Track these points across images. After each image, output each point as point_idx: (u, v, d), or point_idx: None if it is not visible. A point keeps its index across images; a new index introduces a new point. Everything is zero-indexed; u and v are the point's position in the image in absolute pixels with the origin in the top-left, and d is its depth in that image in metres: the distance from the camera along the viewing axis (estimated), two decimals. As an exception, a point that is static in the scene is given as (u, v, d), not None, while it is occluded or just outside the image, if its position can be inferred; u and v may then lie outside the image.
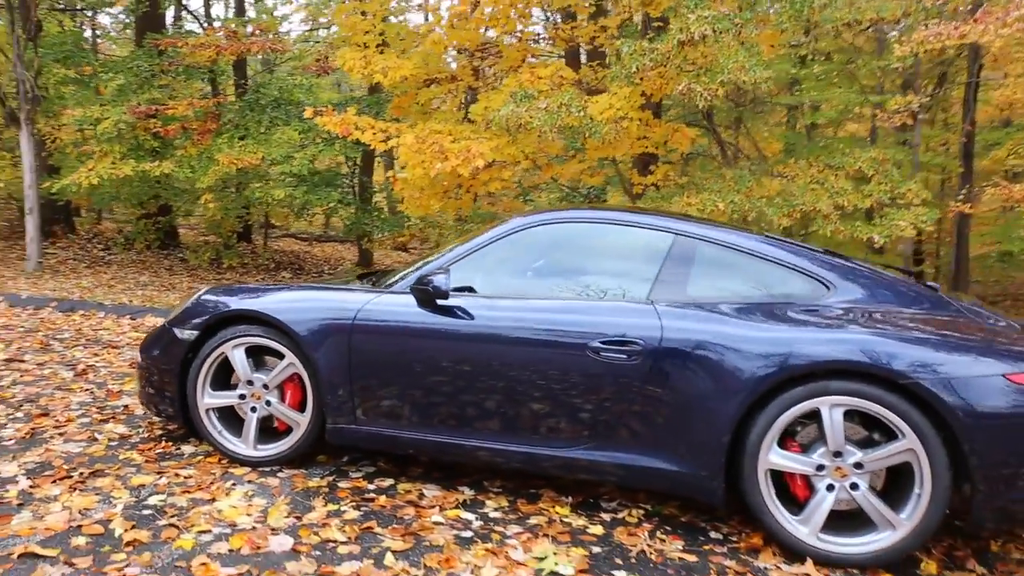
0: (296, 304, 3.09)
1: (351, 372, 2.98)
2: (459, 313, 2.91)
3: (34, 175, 9.92)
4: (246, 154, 9.83)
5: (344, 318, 3.00)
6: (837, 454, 2.51)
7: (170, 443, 3.39)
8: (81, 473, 2.95)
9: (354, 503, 2.82)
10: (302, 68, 12.05)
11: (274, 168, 9.95)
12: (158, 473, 3.01)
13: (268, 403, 3.14)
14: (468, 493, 3.00)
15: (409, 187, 8.74)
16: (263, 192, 10.06)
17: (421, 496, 2.94)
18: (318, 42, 13.55)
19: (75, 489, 2.79)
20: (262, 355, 3.20)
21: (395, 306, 2.99)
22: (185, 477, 2.97)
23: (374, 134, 8.36)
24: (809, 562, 2.49)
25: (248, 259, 12.65)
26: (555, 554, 2.45)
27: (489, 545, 2.50)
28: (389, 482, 3.07)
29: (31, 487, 2.79)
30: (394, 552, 2.41)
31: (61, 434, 3.45)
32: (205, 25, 12.77)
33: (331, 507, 2.75)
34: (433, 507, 2.82)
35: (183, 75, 11.02)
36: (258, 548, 2.38)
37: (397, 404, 2.96)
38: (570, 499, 2.98)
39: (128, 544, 2.36)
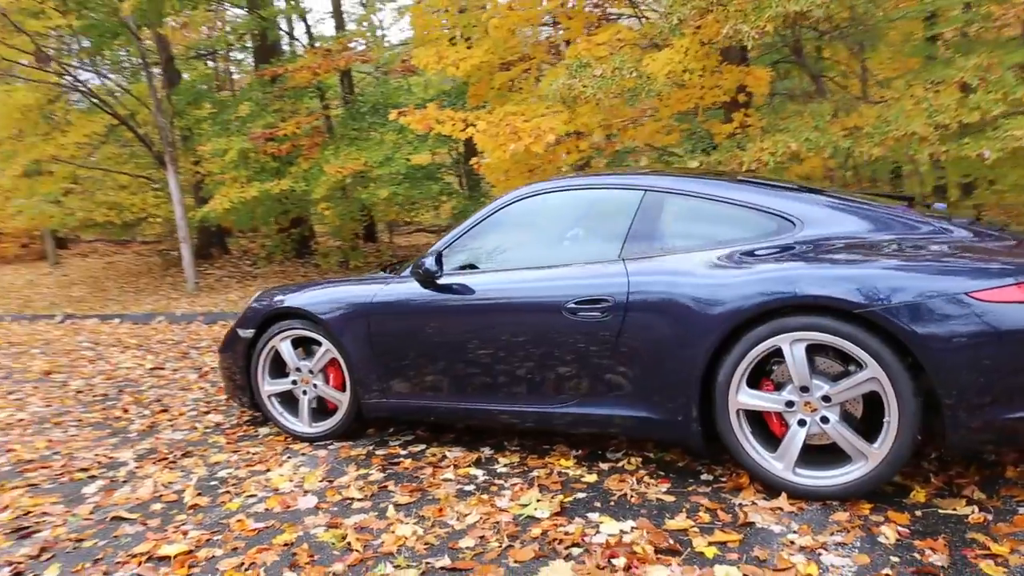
0: (325, 298, 3.53)
1: (373, 351, 3.37)
2: (455, 289, 3.20)
3: (182, 207, 11.34)
4: (349, 161, 10.64)
5: (363, 305, 3.40)
6: (804, 389, 2.53)
7: (252, 427, 3.98)
8: (175, 455, 3.58)
9: (381, 467, 3.21)
10: (390, 71, 12.72)
11: (376, 170, 10.66)
12: (234, 452, 3.58)
13: (315, 386, 3.61)
14: (487, 452, 3.30)
15: (494, 171, 9.06)
16: (369, 194, 10.83)
17: (443, 458, 3.28)
18: (406, 43, 14.17)
19: (167, 467, 3.41)
20: (309, 344, 3.67)
21: (402, 291, 3.33)
22: (253, 454, 3.52)
23: (453, 125, 8.74)
24: (783, 496, 2.54)
25: (373, 257, 13.63)
26: (538, 500, 2.68)
27: (483, 496, 2.79)
28: (421, 447, 3.44)
29: (136, 467, 3.44)
30: (397, 505, 2.77)
31: (172, 425, 4.15)
32: (307, 47, 13.78)
33: (361, 471, 3.16)
34: (450, 466, 3.15)
35: (293, 97, 12.03)
36: (288, 507, 2.83)
37: (414, 376, 3.31)
38: (577, 452, 3.19)
39: (190, 508, 2.90)
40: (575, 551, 2.31)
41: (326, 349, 3.52)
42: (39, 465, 3.57)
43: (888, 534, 2.26)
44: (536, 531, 2.46)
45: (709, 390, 2.67)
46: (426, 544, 2.43)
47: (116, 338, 7.92)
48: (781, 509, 2.49)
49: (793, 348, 2.51)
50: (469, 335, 3.14)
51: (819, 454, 2.59)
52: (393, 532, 2.53)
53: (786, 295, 2.49)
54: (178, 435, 3.95)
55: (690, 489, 2.74)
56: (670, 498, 2.67)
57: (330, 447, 3.53)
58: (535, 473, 3.00)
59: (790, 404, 2.56)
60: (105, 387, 5.32)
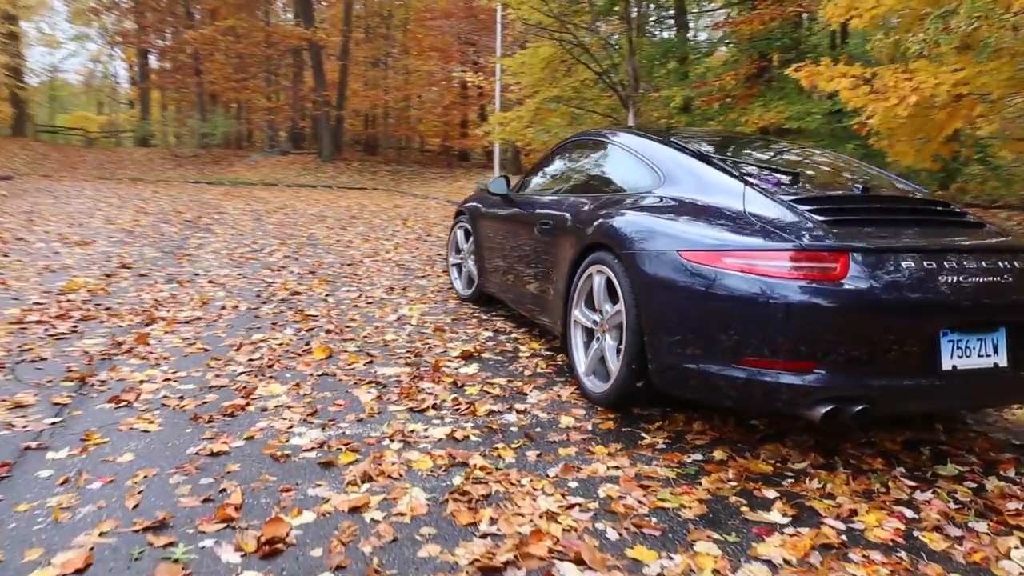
0: (469, 204, 5.13)
1: (482, 244, 4.86)
2: (513, 202, 4.42)
3: (633, 144, 13.53)
4: (771, 113, 11.06)
5: (479, 210, 4.90)
6: (601, 313, 3.12)
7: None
8: (398, 289, 5.76)
9: (456, 318, 4.76)
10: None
11: (789, 124, 10.79)
12: (423, 293, 5.56)
13: (468, 263, 5.29)
14: (508, 327, 4.50)
15: (878, 133, 8.51)
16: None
17: (493, 327, 4.62)
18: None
19: (385, 292, 5.60)
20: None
21: (489, 202, 4.71)
22: (424, 297, 5.44)
23: (838, 81, 8.54)
24: (569, 389, 3.24)
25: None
26: (456, 349, 3.91)
27: (452, 341, 4.14)
28: (500, 317, 4.82)
29: (372, 287, 5.74)
30: (422, 334, 4.34)
31: (428, 277, 6.36)
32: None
33: (445, 317, 4.78)
34: (481, 329, 4.50)
35: (747, 48, 12.72)
36: (379, 317, 4.68)
37: (492, 266, 4.68)
38: (544, 340, 4.15)
39: (351, 303, 5.01)
40: (426, 368, 3.57)
41: (472, 239, 5.14)
42: (343, 270, 6.21)
43: (566, 422, 2.89)
44: (426, 358, 3.77)
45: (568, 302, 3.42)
46: (380, 344, 4.00)
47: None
48: (559, 396, 3.22)
49: (596, 278, 3.12)
50: (507, 239, 4.37)
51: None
52: (383, 336, 4.16)
53: (592, 235, 3.11)
54: (423, 282, 6.14)
55: (546, 374, 3.56)
56: (528, 373, 3.57)
57: (463, 305, 5.20)
58: (475, 341, 4.15)
59: (596, 323, 3.17)
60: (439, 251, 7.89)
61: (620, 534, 2.04)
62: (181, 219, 10.51)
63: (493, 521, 2.06)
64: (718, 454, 2.64)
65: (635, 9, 14.04)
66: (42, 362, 3.42)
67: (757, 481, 2.43)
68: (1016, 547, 2.04)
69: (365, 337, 4.14)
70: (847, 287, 2.34)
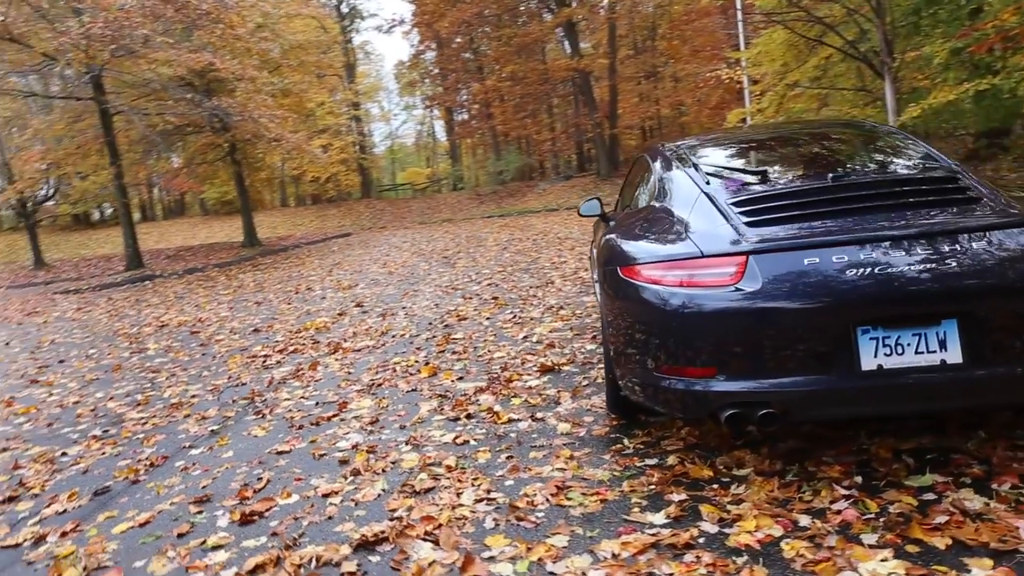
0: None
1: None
2: (603, 222, 4.69)
3: (895, 116, 12.01)
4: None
5: (594, 234, 5.21)
6: (608, 326, 3.32)
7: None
8: (532, 310, 6.27)
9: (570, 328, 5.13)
10: None
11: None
12: (564, 305, 6.00)
13: (603, 279, 5.60)
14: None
15: None
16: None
17: (606, 336, 4.89)
18: None
19: (512, 305, 6.17)
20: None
21: (597, 223, 4.99)
22: (565, 312, 5.86)
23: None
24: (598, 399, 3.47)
25: None
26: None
27: (535, 353, 4.55)
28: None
29: (518, 292, 6.33)
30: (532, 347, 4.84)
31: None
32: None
33: (565, 327, 5.19)
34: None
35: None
36: (510, 337, 5.27)
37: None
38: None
39: (489, 311, 5.68)
40: (497, 382, 4.07)
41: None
42: (526, 293, 6.88)
43: (563, 428, 3.16)
44: (507, 373, 4.24)
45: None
46: (486, 361, 4.58)
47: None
48: (588, 405, 3.48)
49: (601, 295, 3.34)
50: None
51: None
52: (493, 355, 4.73)
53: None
54: (587, 298, 6.53)
55: (600, 384, 3.78)
56: (585, 383, 3.84)
57: (599, 320, 5.52)
58: (588, 355, 4.43)
59: (609, 336, 3.38)
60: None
61: (498, 524, 2.36)
62: (440, 256, 12.27)
63: (410, 509, 2.53)
64: (672, 459, 2.71)
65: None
66: (241, 386, 4.72)
67: (680, 485, 2.49)
68: (883, 560, 1.87)
69: (479, 356, 4.76)
70: (740, 291, 2.31)
